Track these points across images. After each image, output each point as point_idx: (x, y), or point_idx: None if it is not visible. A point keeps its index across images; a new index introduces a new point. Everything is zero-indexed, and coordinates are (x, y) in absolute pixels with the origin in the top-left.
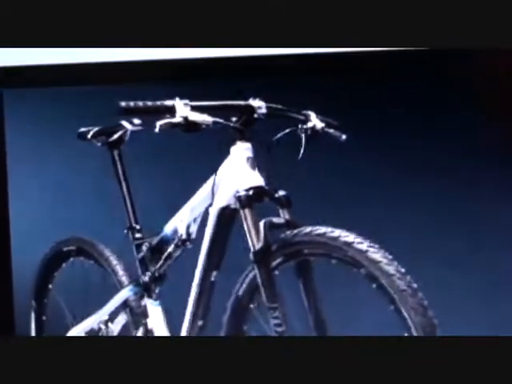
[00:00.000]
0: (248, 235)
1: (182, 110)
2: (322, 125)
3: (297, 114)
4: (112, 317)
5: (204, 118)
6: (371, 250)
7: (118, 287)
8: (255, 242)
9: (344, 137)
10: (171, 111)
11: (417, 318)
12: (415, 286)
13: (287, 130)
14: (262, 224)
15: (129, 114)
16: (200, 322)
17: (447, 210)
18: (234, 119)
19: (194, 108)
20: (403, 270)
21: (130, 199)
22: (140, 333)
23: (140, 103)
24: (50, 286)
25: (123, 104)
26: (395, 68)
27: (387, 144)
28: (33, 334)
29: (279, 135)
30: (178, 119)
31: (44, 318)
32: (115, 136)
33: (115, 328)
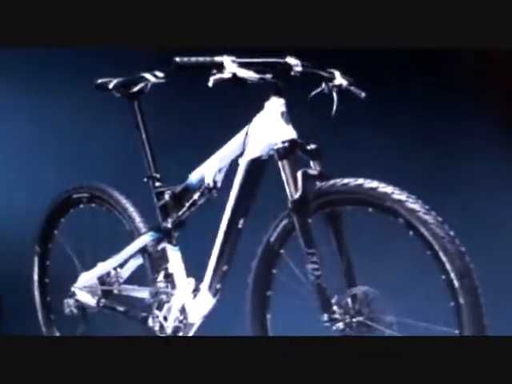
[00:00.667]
0: (286, 185)
1: (231, 66)
2: (346, 82)
3: (325, 73)
4: (126, 262)
5: (250, 75)
6: (410, 200)
7: (132, 234)
8: (293, 192)
9: (363, 94)
10: (220, 67)
11: (455, 262)
12: (452, 233)
13: (320, 88)
14: (299, 174)
15: (181, 68)
16: (225, 267)
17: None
18: (270, 76)
19: (240, 64)
20: (440, 219)
21: (150, 149)
22: (160, 277)
23: (193, 59)
24: (56, 232)
25: (178, 59)
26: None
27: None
28: (35, 277)
29: (314, 92)
30: (227, 75)
31: (48, 262)
32: (137, 87)
33: (125, 273)
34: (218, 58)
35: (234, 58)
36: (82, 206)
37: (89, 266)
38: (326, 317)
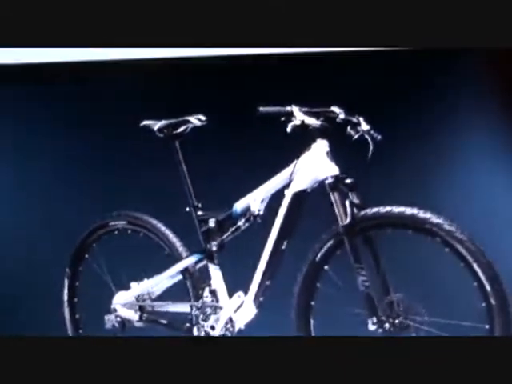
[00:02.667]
0: (337, 212)
1: (299, 114)
2: (368, 127)
3: (354, 118)
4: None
5: (314, 121)
6: (446, 223)
7: (172, 257)
8: (343, 217)
9: (380, 137)
10: (291, 115)
11: (487, 271)
12: (482, 248)
13: (359, 134)
14: (347, 203)
15: (262, 115)
16: (268, 282)
17: None
18: (321, 122)
19: (305, 113)
20: (471, 237)
21: (190, 182)
22: (206, 292)
23: (270, 109)
24: (87, 256)
25: (261, 108)
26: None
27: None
28: (65, 298)
29: (356, 137)
30: (298, 122)
31: (77, 283)
32: (180, 129)
33: (157, 292)
34: (288, 108)
35: (299, 108)
36: (116, 232)
37: (120, 286)
38: (374, 319)
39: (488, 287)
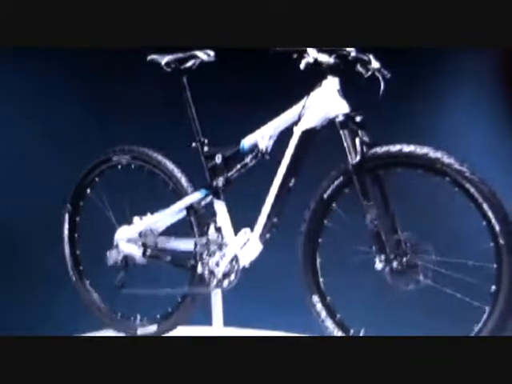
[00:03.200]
0: (348, 150)
1: (312, 51)
2: (378, 64)
3: (365, 57)
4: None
5: (328, 59)
6: (457, 163)
7: (177, 193)
8: (353, 155)
9: (389, 75)
10: (303, 52)
11: (497, 211)
12: (493, 188)
13: (370, 72)
14: (357, 141)
15: (275, 52)
16: (275, 219)
17: None
18: (333, 60)
19: (318, 50)
20: (482, 177)
21: (197, 118)
22: (212, 229)
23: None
24: (88, 191)
25: None
26: None
27: None
28: (66, 233)
29: (367, 75)
30: (311, 59)
31: (78, 219)
32: (188, 64)
33: (160, 228)
34: None
35: None
36: (119, 167)
37: (122, 221)
38: (382, 257)
39: (497, 227)
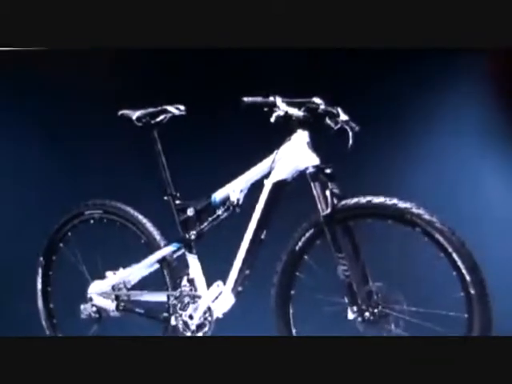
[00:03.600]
0: (318, 202)
1: (282, 104)
2: (347, 117)
3: (334, 109)
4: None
5: (297, 112)
6: (426, 213)
7: (149, 246)
8: (324, 207)
9: (357, 128)
10: (274, 106)
11: (466, 261)
12: (462, 239)
13: (338, 125)
14: (328, 193)
15: (245, 106)
16: (247, 272)
17: None
18: (303, 113)
19: (288, 103)
20: (452, 228)
21: (168, 171)
22: (184, 281)
23: (253, 99)
24: (61, 245)
25: (245, 99)
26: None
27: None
28: (39, 287)
29: (336, 128)
30: (282, 112)
31: (51, 273)
32: (159, 118)
33: (133, 281)
34: (272, 98)
35: (282, 99)
36: (92, 221)
37: (95, 275)
38: (354, 308)
39: (468, 277)
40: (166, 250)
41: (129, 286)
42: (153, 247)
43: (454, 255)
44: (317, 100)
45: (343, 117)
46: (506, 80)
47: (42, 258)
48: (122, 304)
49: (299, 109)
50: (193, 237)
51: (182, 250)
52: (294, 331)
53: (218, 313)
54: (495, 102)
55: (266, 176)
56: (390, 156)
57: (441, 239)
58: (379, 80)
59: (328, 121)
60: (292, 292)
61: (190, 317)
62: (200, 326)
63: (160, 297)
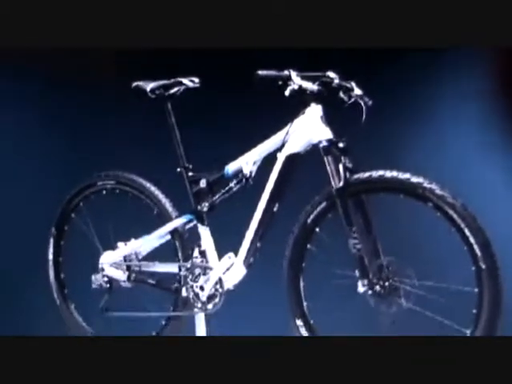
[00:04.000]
0: (331, 176)
1: (296, 78)
2: (360, 92)
3: (348, 84)
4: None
5: (312, 86)
6: (438, 188)
7: (162, 217)
8: (337, 181)
9: (371, 102)
10: (288, 79)
11: (478, 236)
12: (473, 214)
13: (353, 99)
14: (341, 167)
15: (260, 79)
16: (259, 244)
17: None
18: (317, 86)
19: (302, 77)
20: (463, 203)
21: (182, 143)
22: (196, 253)
23: (268, 72)
24: (73, 215)
25: (260, 72)
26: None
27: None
28: (50, 257)
29: (349, 102)
30: (296, 86)
31: (62, 243)
32: (173, 90)
33: (144, 252)
34: (286, 72)
35: (296, 73)
36: (104, 192)
37: (107, 246)
38: (365, 281)
39: (478, 252)
40: (177, 222)
41: (140, 257)
42: (165, 218)
43: (466, 230)
44: (331, 74)
45: (357, 91)
46: (507, 79)
47: (53, 229)
48: (133, 275)
49: (313, 83)
50: (205, 209)
51: (194, 222)
52: (304, 304)
53: (229, 284)
54: (496, 101)
55: (279, 149)
56: (405, 131)
57: (452, 214)
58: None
59: (342, 95)
60: (303, 264)
61: (201, 288)
62: (211, 297)
63: (171, 268)
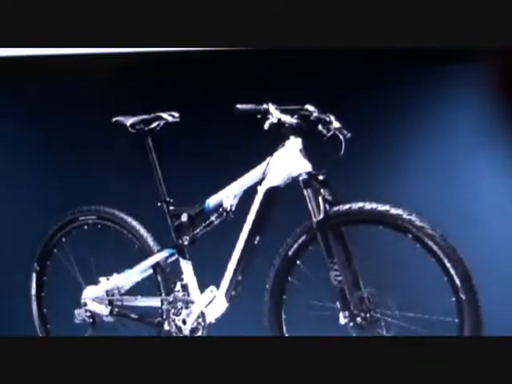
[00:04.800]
0: (311, 208)
1: (275, 112)
2: (339, 124)
3: (326, 117)
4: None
5: (290, 119)
6: (418, 219)
7: (143, 251)
8: (316, 213)
9: (349, 134)
10: (267, 113)
11: (458, 267)
12: (453, 244)
13: (331, 132)
14: (321, 199)
15: (239, 113)
16: (240, 277)
17: None
18: (296, 120)
19: (281, 111)
20: (443, 234)
21: (162, 178)
22: (178, 287)
23: (248, 106)
24: (55, 251)
25: (239, 106)
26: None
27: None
28: (33, 292)
29: (328, 134)
30: (275, 120)
31: (45, 278)
32: (153, 125)
33: (126, 286)
34: (265, 106)
35: (275, 106)
36: (86, 227)
37: (89, 280)
38: (346, 313)
39: (458, 282)
40: (159, 256)
41: (122, 292)
42: (146, 253)
43: (445, 261)
44: (310, 107)
45: (335, 124)
46: (505, 80)
47: (36, 264)
48: (116, 309)
49: (292, 116)
50: (186, 242)
51: (176, 256)
52: (286, 336)
53: (211, 318)
54: (494, 103)
55: (259, 182)
56: (383, 163)
57: (432, 245)
58: (376, 82)
59: (320, 128)
60: (284, 297)
61: (184, 322)
62: (193, 331)
63: (153, 302)
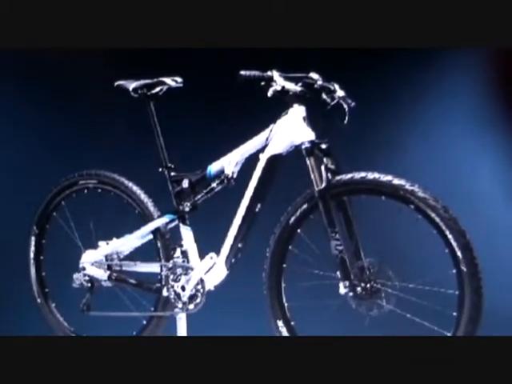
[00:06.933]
0: (313, 177)
1: (279, 79)
2: (343, 93)
3: (330, 85)
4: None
5: (294, 87)
6: (420, 190)
7: (143, 216)
8: (319, 182)
9: (353, 103)
10: (271, 80)
11: (459, 239)
12: (455, 216)
13: (335, 101)
14: (323, 168)
15: (242, 79)
16: (240, 244)
17: None
18: (300, 88)
19: (285, 78)
20: (445, 205)
21: (164, 144)
22: (177, 253)
23: (251, 73)
24: (55, 214)
25: (243, 72)
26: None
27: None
28: (31, 255)
29: (332, 103)
30: (279, 87)
31: (44, 241)
32: (155, 90)
33: (125, 251)
34: (268, 73)
35: (280, 73)
36: (86, 191)
37: (88, 245)
38: (346, 283)
39: (459, 254)
40: (159, 221)
41: (121, 257)
42: (147, 218)
43: (447, 233)
44: (314, 75)
45: (340, 92)
46: (505, 79)
47: (35, 227)
48: (115, 274)
49: (296, 84)
50: (187, 208)
51: (176, 222)
52: (286, 305)
53: (210, 285)
54: (493, 100)
55: (262, 150)
56: (387, 133)
57: (434, 216)
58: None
59: (324, 96)
60: (284, 265)
61: (182, 288)
62: (192, 298)
63: (153, 267)
